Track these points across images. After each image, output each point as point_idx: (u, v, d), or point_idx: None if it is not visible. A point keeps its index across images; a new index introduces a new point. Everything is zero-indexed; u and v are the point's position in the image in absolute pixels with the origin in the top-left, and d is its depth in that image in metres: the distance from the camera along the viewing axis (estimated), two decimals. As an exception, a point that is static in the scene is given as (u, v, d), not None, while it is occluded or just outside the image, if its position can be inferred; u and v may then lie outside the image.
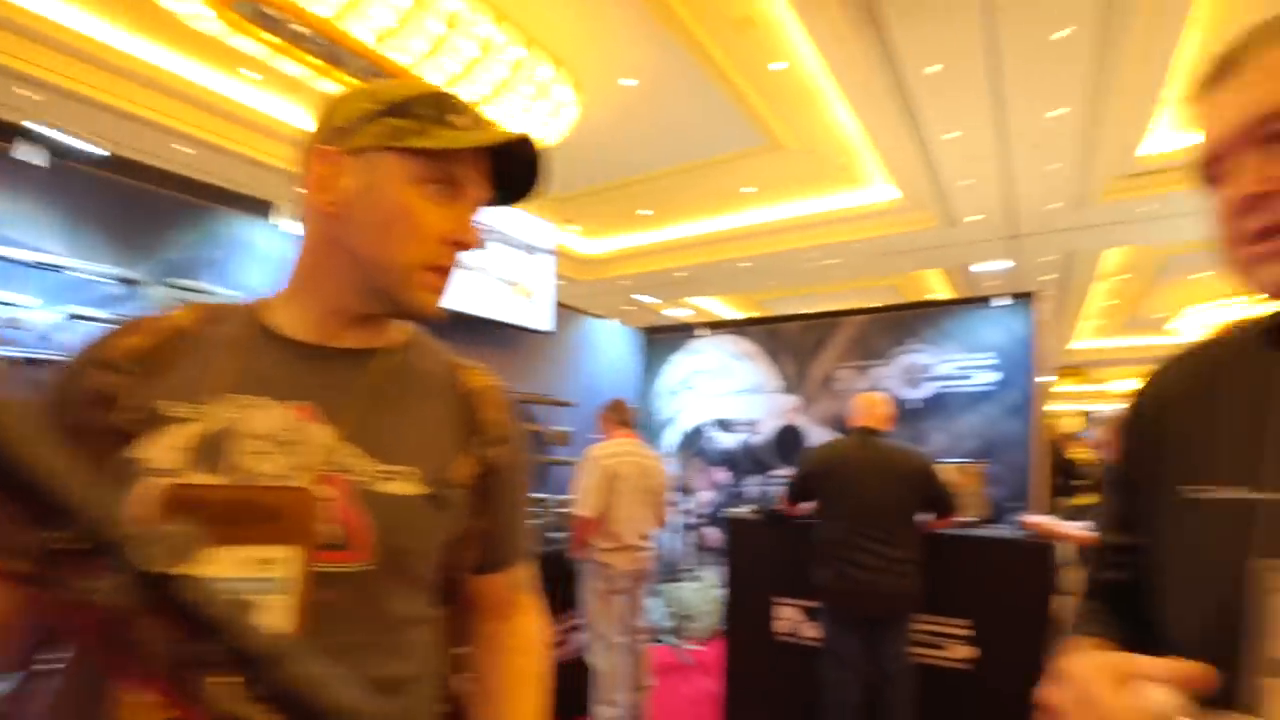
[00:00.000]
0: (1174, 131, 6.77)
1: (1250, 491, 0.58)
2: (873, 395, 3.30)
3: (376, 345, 0.87)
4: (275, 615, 0.68)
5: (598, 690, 3.40)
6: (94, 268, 2.55)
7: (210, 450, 0.75)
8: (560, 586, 3.61)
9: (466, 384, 0.92)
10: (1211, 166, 0.63)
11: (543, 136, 5.69)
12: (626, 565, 3.44)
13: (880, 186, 7.63)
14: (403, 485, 0.79)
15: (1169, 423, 0.69)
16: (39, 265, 2.54)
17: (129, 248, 2.69)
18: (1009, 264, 9.13)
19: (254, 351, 0.82)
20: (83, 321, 2.69)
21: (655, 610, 4.95)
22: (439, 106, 0.80)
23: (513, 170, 0.86)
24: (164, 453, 0.74)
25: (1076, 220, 8.43)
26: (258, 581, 0.69)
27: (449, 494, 0.83)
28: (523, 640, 0.98)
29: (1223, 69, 0.61)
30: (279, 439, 0.77)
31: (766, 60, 5.59)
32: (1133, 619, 0.70)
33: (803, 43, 5.35)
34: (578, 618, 3.80)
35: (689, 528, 5.17)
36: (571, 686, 3.66)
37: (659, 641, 4.87)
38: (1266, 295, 0.60)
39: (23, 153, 2.55)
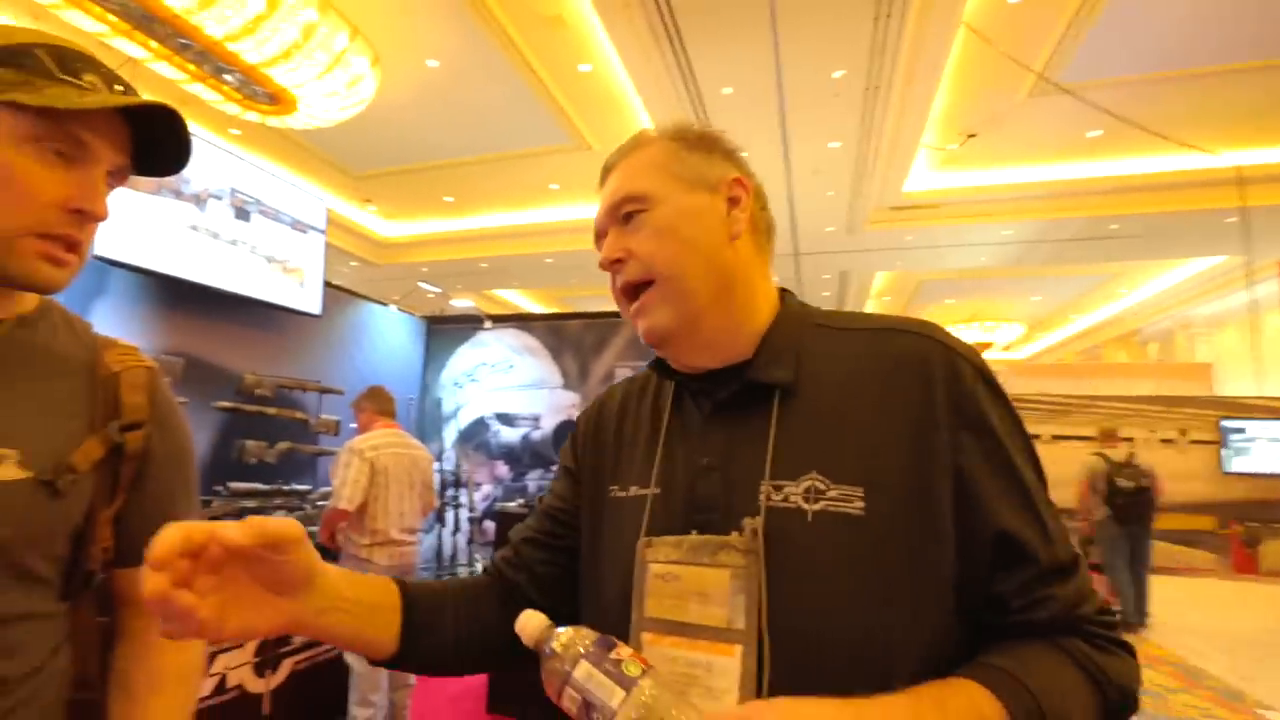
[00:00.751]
0: (931, 173, 7.82)
1: (643, 489, 0.79)
2: None
3: None
4: None
5: (356, 691, 3.26)
6: None
7: None
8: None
9: (108, 365, 0.86)
10: (599, 241, 0.83)
11: (341, 107, 5.36)
12: (389, 561, 3.33)
13: (680, 196, 8.02)
14: (2, 470, 0.73)
15: (603, 435, 0.90)
16: None
17: None
18: (780, 276, 9.98)
19: None
20: None
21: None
22: (60, 60, 0.73)
23: (159, 140, 0.81)
24: None
25: (849, 244, 9.43)
26: None
27: (65, 480, 0.76)
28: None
29: (604, 174, 0.84)
30: None
31: (574, 61, 5.68)
32: (542, 577, 0.87)
33: (609, 48, 5.50)
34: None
35: (468, 521, 5.12)
36: (327, 687, 3.50)
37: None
38: (646, 341, 0.80)
39: None
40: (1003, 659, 0.62)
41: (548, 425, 5.19)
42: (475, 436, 5.34)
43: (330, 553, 3.39)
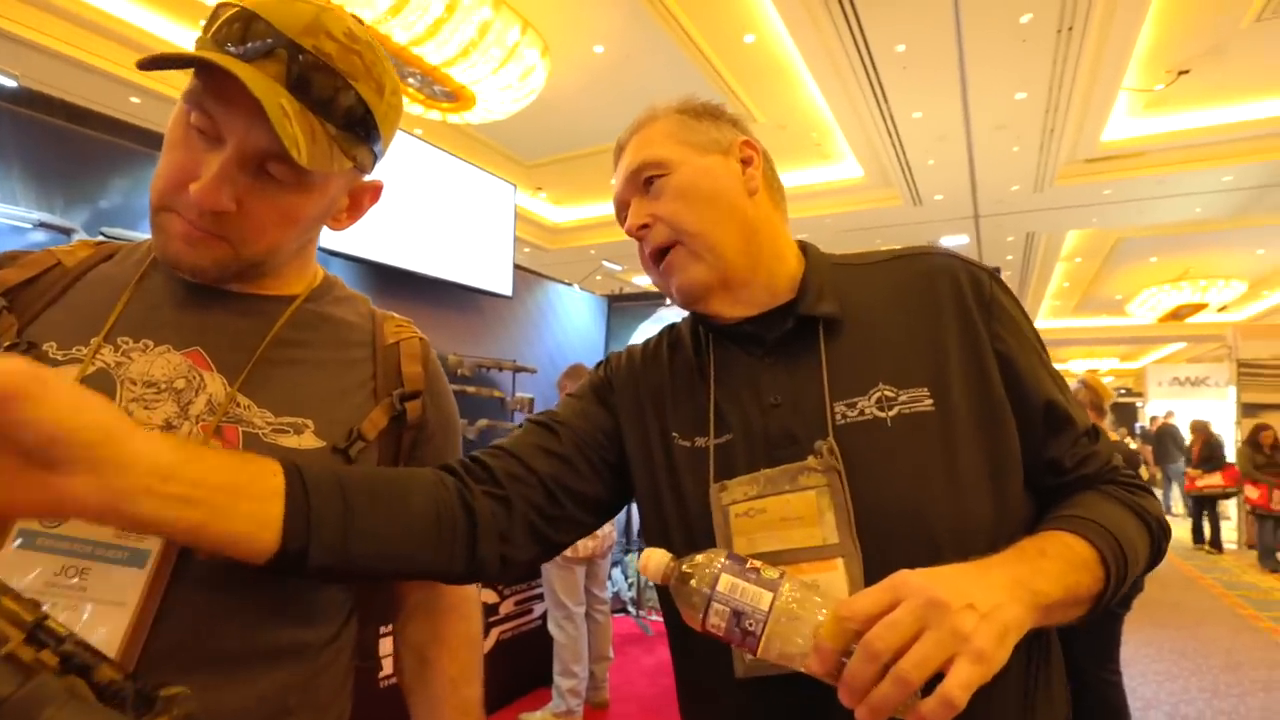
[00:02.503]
0: (1130, 119, 6.93)
1: (704, 439, 0.80)
2: None
3: (282, 292, 0.81)
4: (125, 588, 0.62)
5: (558, 661, 3.40)
6: (17, 213, 2.38)
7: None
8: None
9: (386, 336, 0.87)
10: (620, 213, 0.87)
11: (514, 99, 5.58)
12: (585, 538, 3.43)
13: (850, 163, 7.68)
14: (298, 438, 0.73)
15: (656, 384, 0.89)
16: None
17: (60, 194, 2.52)
18: (964, 239, 9.27)
19: (143, 291, 0.75)
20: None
21: (617, 581, 4.97)
22: (225, 21, 0.67)
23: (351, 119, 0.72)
24: None
25: (1036, 202, 8.60)
26: (116, 547, 0.63)
27: (356, 448, 0.77)
28: (453, 602, 0.91)
29: (618, 151, 0.89)
30: (166, 386, 0.70)
31: (738, 33, 5.55)
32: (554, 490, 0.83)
33: (774, 16, 5.32)
34: (538, 587, 3.79)
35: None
36: (533, 657, 3.66)
37: (621, 612, 4.90)
38: (676, 304, 0.84)
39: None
40: (1072, 509, 0.70)
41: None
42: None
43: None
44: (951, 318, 0.76)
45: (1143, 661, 4.41)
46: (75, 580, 0.61)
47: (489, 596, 3.51)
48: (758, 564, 0.59)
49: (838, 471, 0.69)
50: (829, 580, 0.67)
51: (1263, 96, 6.39)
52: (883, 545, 0.67)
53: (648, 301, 5.53)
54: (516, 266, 4.34)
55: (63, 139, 2.50)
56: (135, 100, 5.89)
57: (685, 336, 0.91)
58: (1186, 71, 5.96)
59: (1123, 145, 7.28)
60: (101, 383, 0.68)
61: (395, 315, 0.92)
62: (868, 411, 0.72)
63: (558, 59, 5.66)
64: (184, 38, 5.37)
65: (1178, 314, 13.25)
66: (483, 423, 3.92)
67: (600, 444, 0.87)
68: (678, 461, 0.82)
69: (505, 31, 5.01)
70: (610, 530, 3.55)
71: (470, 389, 3.90)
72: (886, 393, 0.73)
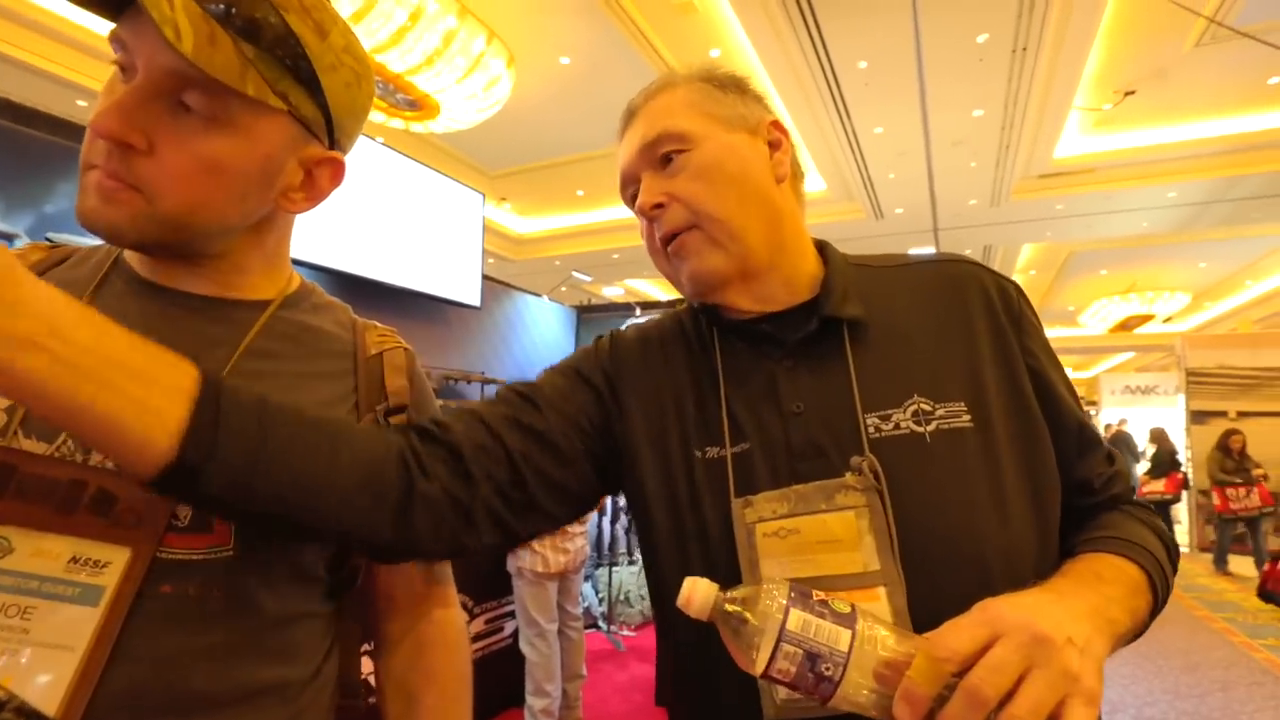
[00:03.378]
0: (1081, 137, 7.17)
1: (720, 449, 0.73)
2: None
3: (252, 296, 0.74)
4: (74, 631, 0.56)
5: (531, 680, 3.31)
6: None
7: None
8: (492, 571, 3.51)
9: (369, 346, 0.81)
10: (627, 190, 0.80)
11: (479, 109, 5.52)
12: (557, 554, 3.36)
13: (814, 177, 7.77)
14: None
15: (660, 382, 0.79)
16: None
17: (1, 198, 2.39)
18: (929, 250, 9.46)
19: (102, 297, 0.69)
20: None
21: (588, 596, 4.90)
22: None
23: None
24: None
25: (993, 216, 8.83)
26: (65, 583, 0.57)
27: None
28: (440, 633, 0.85)
29: (628, 117, 0.80)
30: None
31: (704, 48, 5.59)
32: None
33: (739, 32, 5.37)
34: (509, 604, 3.71)
35: (625, 509, 5.14)
36: (504, 676, 3.57)
37: (592, 628, 4.82)
38: (684, 292, 0.77)
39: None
40: (1106, 530, 0.68)
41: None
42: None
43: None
44: (984, 329, 0.72)
45: (1107, 665, 4.49)
46: (16, 620, 0.55)
47: (458, 616, 3.41)
48: (822, 594, 0.53)
49: (879, 491, 0.63)
50: (869, 610, 0.60)
51: (1204, 117, 6.72)
52: (928, 572, 0.61)
53: (617, 312, 5.51)
54: (485, 277, 4.28)
55: (5, 141, 2.37)
56: (82, 104, 5.67)
57: (688, 331, 0.83)
58: (1133, 92, 6.24)
59: (1074, 162, 7.55)
60: None
61: (378, 325, 0.86)
62: (903, 425, 0.67)
63: (524, 69, 5.63)
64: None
65: (1126, 324, 13.77)
66: (449, 437, 3.83)
67: (584, 430, 0.77)
68: (696, 473, 0.74)
69: (470, 41, 4.95)
70: (583, 545, 3.49)
71: (437, 402, 3.81)
72: (923, 406, 0.67)
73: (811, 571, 0.63)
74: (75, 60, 5.26)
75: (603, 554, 5.08)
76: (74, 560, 0.57)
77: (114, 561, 0.58)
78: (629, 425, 0.78)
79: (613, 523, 5.05)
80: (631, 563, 5.07)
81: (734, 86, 0.78)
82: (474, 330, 4.33)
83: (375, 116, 5.53)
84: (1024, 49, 5.49)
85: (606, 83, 5.99)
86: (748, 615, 0.52)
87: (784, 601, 0.51)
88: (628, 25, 5.27)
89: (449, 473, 0.69)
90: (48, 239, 2.52)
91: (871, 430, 0.67)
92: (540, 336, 5.04)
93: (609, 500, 5.09)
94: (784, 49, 5.47)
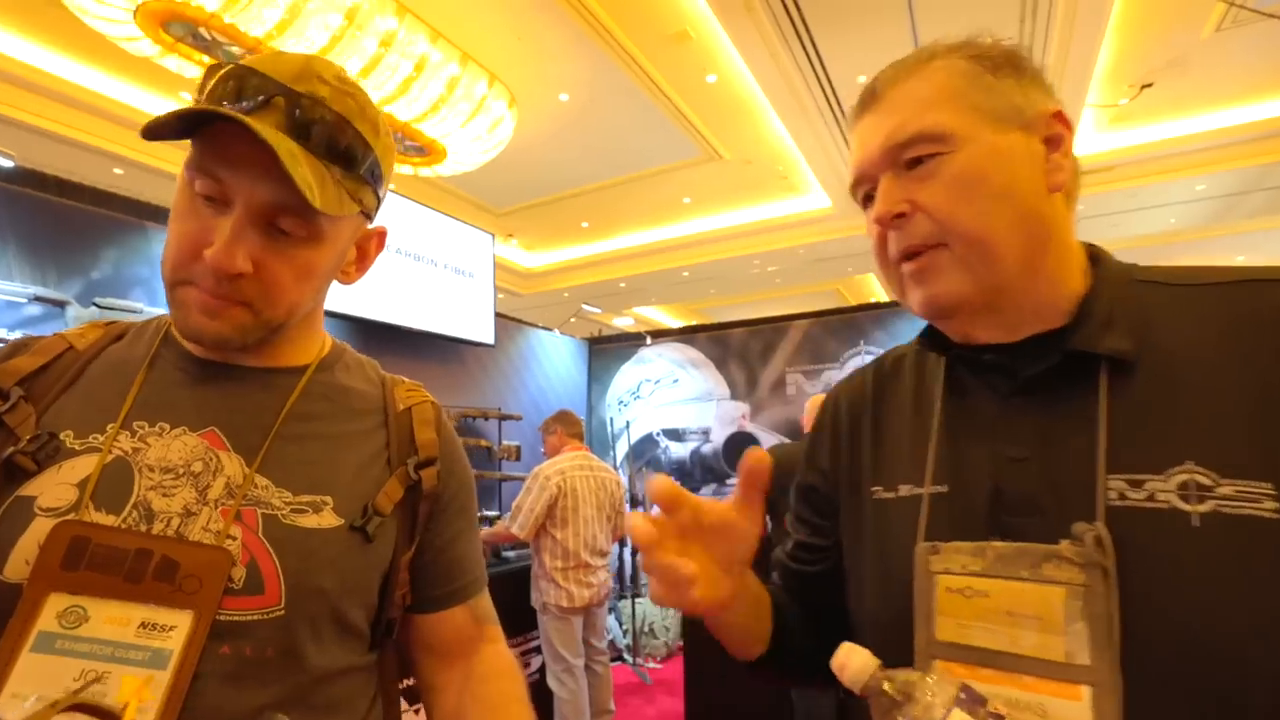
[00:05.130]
0: (1098, 134, 7.11)
1: (917, 488, 0.66)
2: (821, 399, 3.30)
3: (292, 363, 0.79)
4: (143, 692, 0.59)
5: (559, 717, 3.30)
6: (13, 288, 2.39)
7: (110, 485, 0.66)
8: (515, 606, 3.52)
9: (398, 402, 0.84)
10: (860, 188, 0.68)
11: (484, 150, 5.65)
12: (581, 588, 3.37)
13: (817, 194, 7.82)
14: (318, 518, 0.71)
15: (859, 431, 0.77)
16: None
17: (53, 267, 2.53)
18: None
19: (156, 372, 0.74)
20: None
21: (612, 628, 4.88)
22: (218, 80, 0.67)
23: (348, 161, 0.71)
24: (58, 489, 0.65)
25: None
26: (137, 648, 0.60)
27: (374, 524, 0.74)
28: (496, 666, 0.87)
29: (867, 99, 0.67)
30: (183, 471, 0.69)
31: (700, 74, 5.68)
32: (817, 604, 0.80)
33: (735, 56, 5.46)
34: (535, 639, 3.71)
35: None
36: (539, 713, 3.56)
37: (618, 661, 4.80)
38: (914, 312, 0.68)
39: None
40: None
41: (718, 438, 5.14)
42: (645, 453, 5.39)
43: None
44: None
45: None
46: (96, 686, 0.58)
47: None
48: (1003, 710, 0.47)
49: (1103, 570, 0.52)
50: (1063, 711, 0.52)
51: (1229, 105, 6.51)
52: (1162, 684, 0.50)
53: (627, 342, 5.56)
54: (497, 315, 4.35)
55: (54, 214, 2.53)
56: (118, 171, 5.87)
57: (906, 359, 0.77)
58: (1150, 85, 6.06)
59: (1092, 161, 7.45)
60: (120, 471, 0.66)
61: (405, 379, 0.90)
62: (1161, 498, 0.53)
63: (525, 109, 5.75)
64: (162, 107, 5.38)
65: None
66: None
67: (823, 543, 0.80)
68: (880, 514, 0.70)
69: (473, 85, 5.10)
70: (606, 578, 3.50)
71: (459, 439, 3.87)
72: (1199, 478, 0.52)
73: (997, 645, 0.55)
74: (109, 131, 5.46)
75: (624, 585, 5.07)
76: (143, 625, 0.60)
77: (179, 625, 0.61)
78: (839, 477, 0.78)
79: (634, 554, 5.04)
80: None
81: (1009, 67, 0.64)
82: (489, 367, 4.40)
83: (384, 164, 5.68)
84: (1029, 48, 5.47)
85: (605, 116, 6.10)
86: (904, 702, 0.48)
87: (949, 701, 0.46)
88: (623, 59, 5.38)
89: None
90: (95, 304, 2.64)
91: (1113, 496, 0.54)
92: (553, 370, 5.11)
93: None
94: (780, 69, 5.54)
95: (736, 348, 5.29)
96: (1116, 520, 0.53)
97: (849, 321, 5.39)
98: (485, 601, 0.90)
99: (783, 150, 6.84)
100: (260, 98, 0.65)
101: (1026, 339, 0.63)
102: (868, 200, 0.67)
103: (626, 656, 4.89)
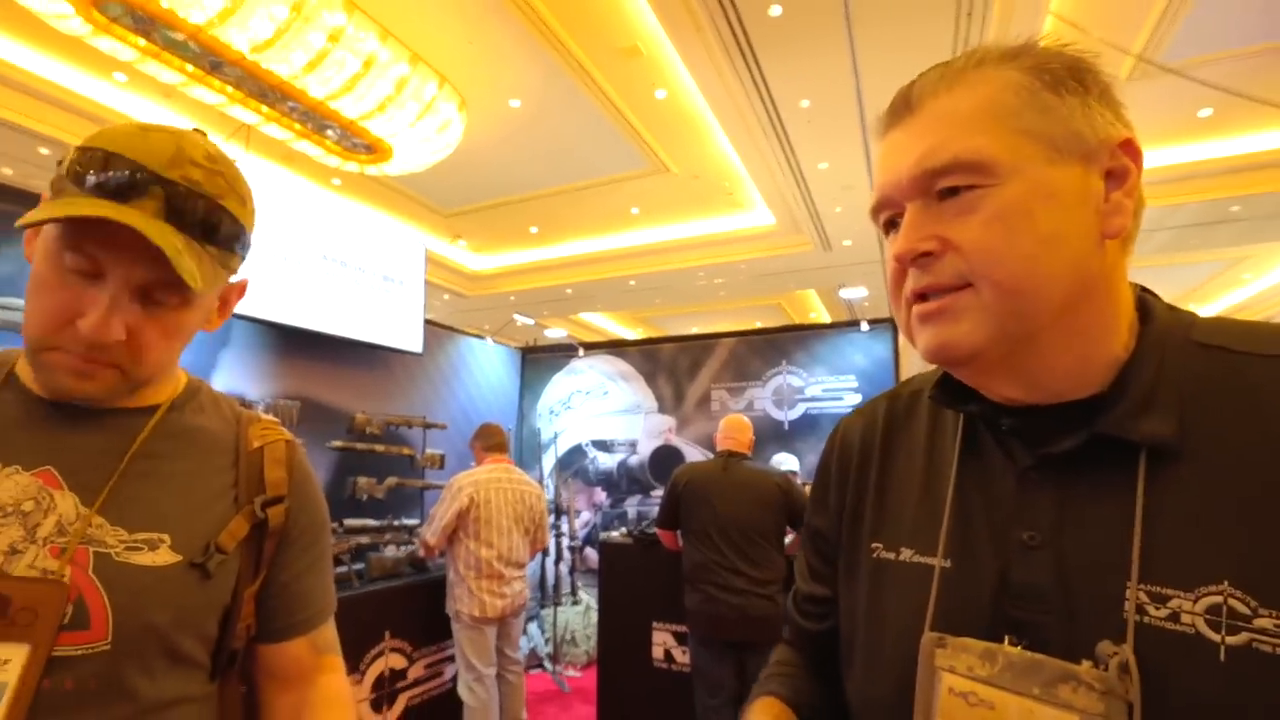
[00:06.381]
0: None
1: (919, 555, 0.59)
2: (735, 418, 3.38)
3: (144, 403, 0.80)
4: None
5: (467, 725, 3.33)
6: None
7: None
8: (433, 614, 3.53)
9: (251, 440, 0.86)
10: (882, 213, 0.58)
11: (432, 151, 5.63)
12: (494, 598, 3.40)
13: (762, 211, 7.96)
14: (152, 555, 0.72)
15: (866, 475, 0.68)
16: None
17: None
18: (863, 292, 9.66)
19: (2, 409, 0.75)
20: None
21: (534, 636, 4.92)
22: (88, 164, 0.70)
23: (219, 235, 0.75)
24: None
25: None
26: None
27: (214, 561, 0.75)
28: (324, 695, 0.88)
29: (900, 108, 0.58)
30: (12, 509, 0.70)
31: (650, 88, 5.75)
32: (830, 670, 0.72)
33: (684, 73, 5.55)
34: (449, 648, 3.72)
35: (569, 549, 5.18)
36: None
37: (538, 668, 4.84)
38: (923, 357, 0.58)
39: None
40: None
41: (644, 450, 5.22)
42: (573, 464, 5.43)
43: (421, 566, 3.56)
44: None
45: None
46: None
47: (397, 661, 3.43)
48: None
49: (1129, 705, 0.44)
50: None
51: (1141, 147, 6.94)
52: None
53: (561, 353, 5.59)
54: (427, 322, 4.34)
55: None
56: (45, 151, 5.66)
57: (923, 398, 0.67)
58: None
59: None
60: None
61: (263, 417, 0.92)
62: (1185, 619, 0.45)
63: (475, 112, 5.74)
64: (93, 87, 5.21)
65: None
66: (391, 480, 3.87)
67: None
68: (878, 576, 0.63)
69: (422, 86, 5.07)
70: (522, 589, 3.53)
71: (379, 447, 3.86)
72: (1234, 603, 0.44)
73: None
74: (36, 109, 5.27)
75: (546, 594, 5.11)
76: None
77: (13, 659, 0.63)
78: (842, 519, 0.71)
79: (556, 562, 5.09)
80: (575, 603, 5.10)
81: (1074, 81, 0.52)
82: (416, 375, 4.40)
83: (330, 160, 5.60)
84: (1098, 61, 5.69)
85: (556, 124, 6.14)
86: None
87: None
88: (575, 69, 5.42)
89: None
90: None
91: (1131, 609, 0.46)
92: (484, 378, 5.12)
93: (552, 541, 5.15)
94: (727, 89, 5.64)
95: (666, 362, 5.38)
96: (1144, 642, 0.45)
97: (772, 341, 5.51)
98: (328, 632, 0.93)
99: (728, 167, 6.95)
100: (131, 182, 0.68)
101: (1053, 405, 0.54)
102: (890, 226, 0.58)
103: (547, 664, 4.93)
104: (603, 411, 5.40)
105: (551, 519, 5.26)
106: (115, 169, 0.69)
